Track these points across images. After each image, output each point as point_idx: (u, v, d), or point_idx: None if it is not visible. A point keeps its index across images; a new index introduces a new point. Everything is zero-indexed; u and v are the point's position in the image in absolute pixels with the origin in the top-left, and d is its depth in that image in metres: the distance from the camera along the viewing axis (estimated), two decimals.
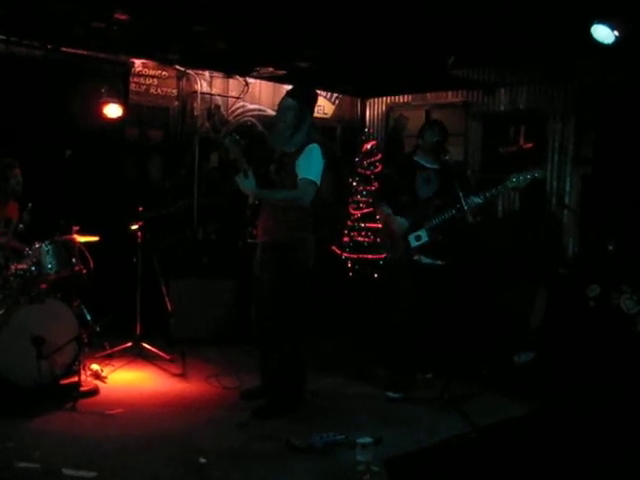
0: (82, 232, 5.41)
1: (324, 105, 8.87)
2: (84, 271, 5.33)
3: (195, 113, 7.73)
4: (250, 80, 8.09)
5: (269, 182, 4.57)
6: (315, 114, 8.60)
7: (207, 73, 7.81)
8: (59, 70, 6.60)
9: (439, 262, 5.09)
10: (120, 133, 7.13)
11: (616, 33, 4.86)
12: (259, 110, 8.21)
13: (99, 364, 5.32)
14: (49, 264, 5.03)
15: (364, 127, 9.07)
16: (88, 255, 5.45)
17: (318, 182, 4.41)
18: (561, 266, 6.48)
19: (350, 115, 9.18)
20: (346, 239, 7.90)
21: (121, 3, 5.27)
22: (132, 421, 4.39)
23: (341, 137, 9.05)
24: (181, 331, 6.25)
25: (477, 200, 4.86)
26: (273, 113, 8.25)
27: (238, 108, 8.08)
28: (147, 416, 4.50)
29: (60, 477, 3.52)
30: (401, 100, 8.89)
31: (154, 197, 7.18)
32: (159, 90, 7.48)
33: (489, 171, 7.67)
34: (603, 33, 4.94)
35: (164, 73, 7.49)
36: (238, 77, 8.01)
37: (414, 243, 5.07)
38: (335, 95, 8.95)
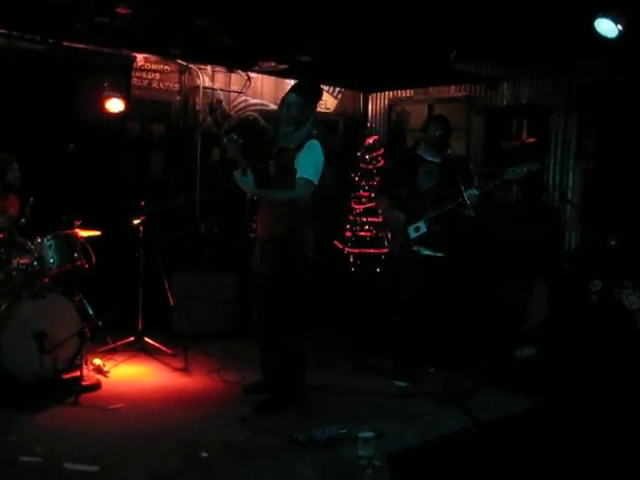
0: (84, 226, 5.41)
1: (326, 99, 8.85)
2: (86, 265, 5.33)
3: (197, 108, 7.72)
4: (252, 74, 8.08)
5: (268, 177, 4.55)
6: (317, 108, 8.68)
7: (209, 67, 7.80)
8: (61, 64, 6.60)
9: (439, 254, 5.15)
10: (122, 127, 7.13)
11: (619, 27, 4.85)
12: (261, 104, 8.20)
13: (101, 358, 5.33)
14: (51, 258, 5.03)
15: (366, 121, 9.06)
16: (90, 249, 5.45)
17: (316, 181, 4.38)
18: (563, 261, 6.47)
19: (352, 109, 9.17)
20: (348, 234, 7.89)
21: None
22: (134, 415, 4.39)
23: (343, 131, 9.03)
24: (183, 326, 6.26)
25: (474, 192, 4.92)
26: (275, 107, 8.26)
27: (240, 102, 8.07)
28: (149, 411, 4.51)
29: (62, 471, 3.53)
30: (403, 94, 8.88)
31: (156, 191, 7.17)
32: (161, 84, 7.47)
33: (491, 165, 7.66)
34: (607, 27, 4.93)
35: (166, 68, 7.49)
36: (240, 71, 8.00)
37: (413, 234, 5.14)
38: (337, 89, 8.94)
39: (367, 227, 7.76)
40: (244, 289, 6.26)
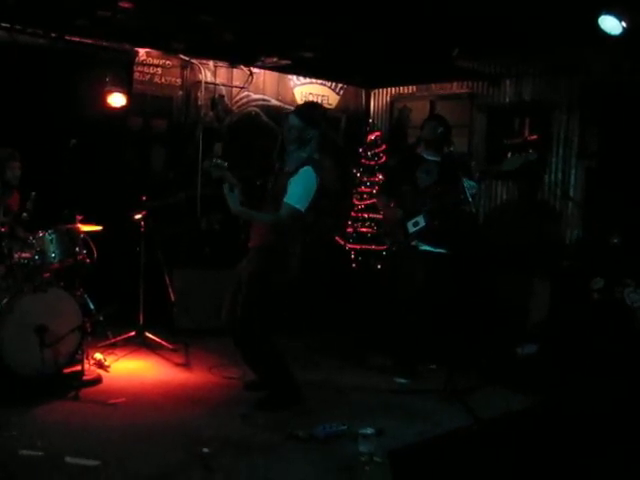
0: (85, 221, 5.40)
1: (328, 95, 8.84)
2: (87, 260, 5.32)
3: (199, 103, 7.71)
4: (254, 70, 8.07)
5: (265, 195, 4.59)
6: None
7: (211, 63, 7.79)
8: (63, 59, 6.59)
9: (439, 250, 5.17)
10: (124, 122, 7.12)
11: (624, 24, 4.84)
12: (263, 100, 8.19)
13: (102, 353, 5.33)
14: (52, 253, 5.02)
15: (368, 118, 9.05)
16: (91, 244, 5.45)
17: (303, 209, 4.36)
18: (563, 258, 6.47)
19: (354, 105, 9.16)
20: (349, 230, 7.89)
21: None
22: (135, 410, 4.39)
23: (345, 128, 9.02)
24: (184, 321, 6.26)
25: (472, 184, 4.92)
26: (277, 103, 8.30)
27: (242, 98, 8.06)
28: (150, 406, 4.51)
29: (63, 465, 3.52)
30: (406, 91, 8.87)
31: (157, 187, 7.17)
32: (163, 79, 7.46)
33: (494, 162, 7.64)
34: (611, 24, 4.92)
35: (168, 62, 7.48)
36: (242, 67, 7.99)
37: (412, 229, 5.18)
38: (340, 85, 8.93)
39: (368, 223, 7.75)
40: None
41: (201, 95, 7.71)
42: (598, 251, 6.31)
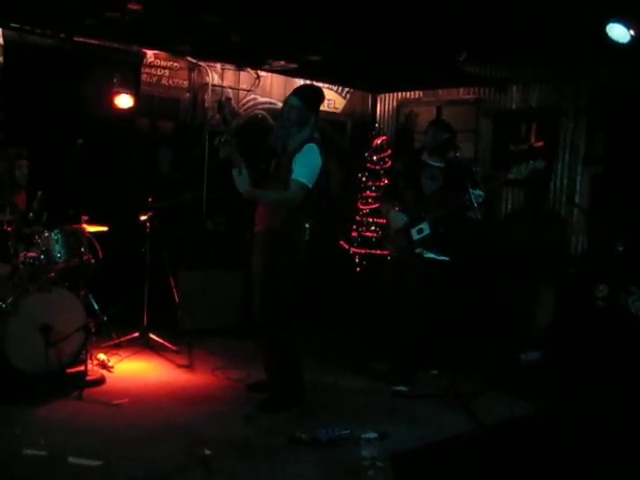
0: (91, 222, 5.42)
1: (335, 99, 8.86)
2: (92, 260, 5.34)
3: (206, 105, 7.73)
4: (261, 73, 8.09)
5: (268, 177, 4.59)
6: (326, 108, 8.71)
7: (218, 65, 7.81)
8: (71, 59, 6.62)
9: (442, 257, 5.10)
10: (131, 123, 7.15)
11: (632, 32, 4.84)
12: (270, 103, 8.20)
13: (106, 354, 5.34)
14: (58, 253, 5.04)
15: (374, 122, 9.06)
16: (97, 245, 5.46)
17: (310, 184, 4.38)
18: (568, 265, 6.47)
19: (361, 110, 9.17)
20: (354, 234, 7.90)
21: None
22: (138, 411, 4.40)
23: (351, 132, 9.04)
24: (188, 322, 6.26)
25: (479, 192, 4.86)
26: None
27: (249, 101, 8.08)
28: (153, 407, 4.51)
29: (66, 465, 3.53)
30: (412, 96, 8.87)
31: (163, 188, 7.18)
32: (170, 81, 7.49)
33: (499, 168, 7.64)
34: (619, 32, 4.92)
35: (176, 64, 7.50)
36: (250, 70, 8.01)
37: (416, 236, 5.11)
38: (346, 89, 8.94)
39: (373, 228, 7.75)
40: (250, 287, 6.28)
41: (208, 97, 7.73)
42: (603, 258, 6.31)
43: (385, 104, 9.18)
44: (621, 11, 4.89)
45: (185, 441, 3.91)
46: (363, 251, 7.76)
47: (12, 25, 6.26)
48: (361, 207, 7.94)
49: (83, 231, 5.28)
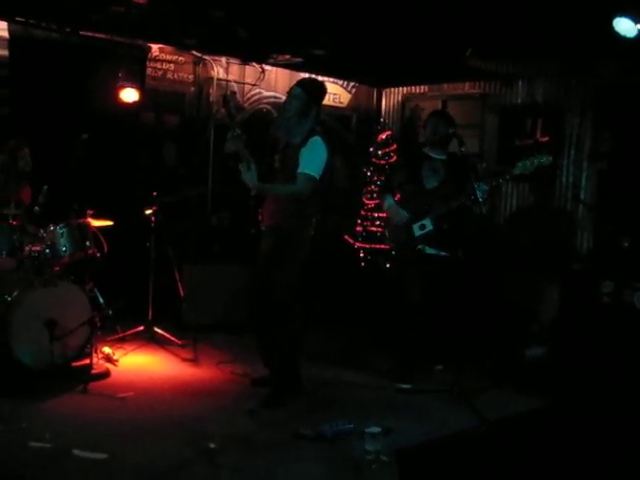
0: (96, 216, 5.43)
1: (340, 94, 8.84)
2: (98, 254, 5.35)
3: (211, 99, 7.73)
4: (266, 67, 8.07)
5: (273, 171, 4.60)
6: (331, 103, 8.71)
7: (224, 59, 7.80)
8: (76, 53, 6.61)
9: (443, 253, 5.06)
10: (136, 118, 7.14)
11: (639, 26, 4.81)
12: (275, 97, 8.19)
13: (111, 347, 5.35)
14: (63, 247, 5.05)
15: (380, 117, 9.04)
16: (102, 239, 5.47)
17: (318, 177, 4.40)
18: (574, 261, 6.45)
19: (366, 104, 9.15)
20: (359, 229, 7.89)
21: None
22: (142, 405, 4.41)
23: (356, 126, 9.02)
24: (193, 317, 6.26)
25: (483, 187, 4.78)
26: None
27: (254, 95, 8.07)
28: (157, 400, 4.53)
29: (71, 458, 3.55)
30: (417, 91, 8.85)
31: (168, 182, 7.19)
32: (175, 75, 7.48)
33: (505, 163, 7.62)
34: (626, 26, 4.90)
35: (181, 58, 7.50)
36: (255, 64, 8.00)
37: (418, 232, 5.05)
38: (351, 84, 8.92)
39: (378, 222, 7.75)
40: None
41: (213, 91, 7.72)
42: (608, 254, 6.29)
43: (390, 99, 9.16)
44: (628, 5, 4.87)
45: (189, 435, 3.93)
46: (368, 246, 7.76)
47: (18, 19, 6.26)
48: (366, 202, 7.93)
49: (88, 225, 5.29)
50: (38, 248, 4.96)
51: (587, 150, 7.18)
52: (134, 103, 6.69)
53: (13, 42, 6.27)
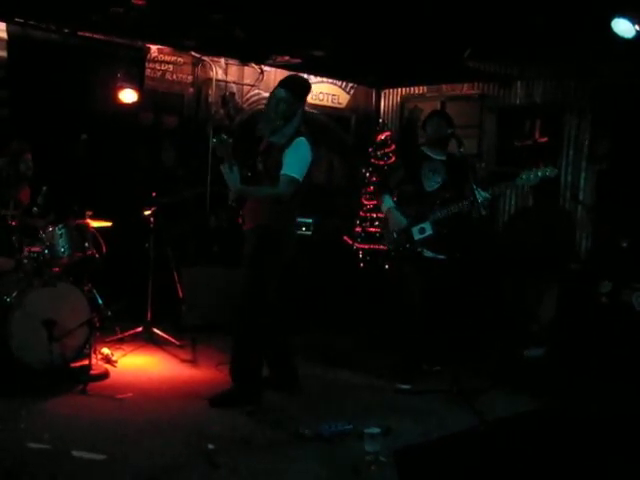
0: (95, 216, 5.43)
1: (339, 95, 8.85)
2: (97, 255, 5.35)
3: (210, 100, 7.73)
4: (265, 68, 8.07)
5: (257, 173, 4.55)
6: (330, 103, 8.73)
7: (222, 60, 7.81)
8: (75, 54, 6.62)
9: (441, 256, 5.02)
10: (135, 118, 7.15)
11: (637, 27, 4.82)
12: None
13: (110, 348, 5.35)
14: (62, 247, 5.05)
15: (379, 118, 9.04)
16: (101, 239, 5.47)
17: (300, 179, 4.35)
18: (573, 262, 6.46)
19: (365, 105, 9.15)
20: (358, 229, 7.89)
21: None
22: (141, 405, 4.41)
23: (355, 127, 9.02)
24: (191, 318, 6.26)
25: (485, 195, 4.73)
26: None
27: (253, 96, 8.08)
28: (156, 401, 4.52)
29: (70, 459, 3.55)
30: (416, 91, 8.86)
31: (167, 183, 7.19)
32: (174, 76, 7.49)
33: (504, 164, 7.64)
34: (624, 27, 4.91)
35: (180, 59, 7.50)
36: (254, 65, 8.00)
37: (417, 236, 5.00)
38: (350, 85, 8.93)
39: (377, 223, 7.74)
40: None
41: (212, 92, 7.73)
42: (607, 254, 6.30)
43: (389, 99, 9.16)
44: (627, 6, 4.88)
45: (188, 435, 3.93)
46: (367, 246, 7.76)
47: (16, 20, 6.26)
48: (365, 202, 7.93)
49: (87, 226, 5.29)
50: (37, 249, 4.96)
51: (586, 151, 7.19)
52: (133, 104, 6.70)
53: (12, 43, 6.27)
